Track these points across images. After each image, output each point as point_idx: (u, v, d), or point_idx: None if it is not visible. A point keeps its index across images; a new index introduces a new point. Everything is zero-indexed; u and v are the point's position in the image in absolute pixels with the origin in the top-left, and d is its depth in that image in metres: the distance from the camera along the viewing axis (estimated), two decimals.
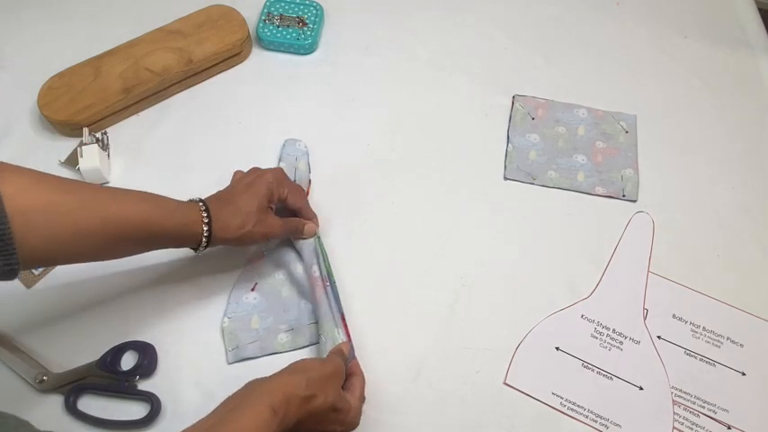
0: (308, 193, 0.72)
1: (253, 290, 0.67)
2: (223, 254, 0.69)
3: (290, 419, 0.50)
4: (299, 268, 0.67)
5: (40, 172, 0.51)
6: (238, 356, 0.63)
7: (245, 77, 0.81)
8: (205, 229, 0.59)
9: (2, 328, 0.64)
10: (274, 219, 0.64)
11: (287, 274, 0.68)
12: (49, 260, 0.55)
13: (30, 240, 0.47)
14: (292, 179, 0.72)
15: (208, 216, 0.59)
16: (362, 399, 0.59)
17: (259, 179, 0.63)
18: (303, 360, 0.56)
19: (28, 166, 0.73)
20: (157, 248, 0.60)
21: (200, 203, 0.60)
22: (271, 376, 0.52)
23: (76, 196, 0.51)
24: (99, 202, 0.53)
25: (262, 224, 0.62)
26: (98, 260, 0.57)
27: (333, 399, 0.53)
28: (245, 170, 0.66)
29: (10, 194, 0.46)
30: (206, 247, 0.60)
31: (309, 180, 0.73)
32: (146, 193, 0.57)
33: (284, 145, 0.75)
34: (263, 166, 0.74)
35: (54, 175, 0.51)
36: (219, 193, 0.63)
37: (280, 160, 0.74)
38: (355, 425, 0.57)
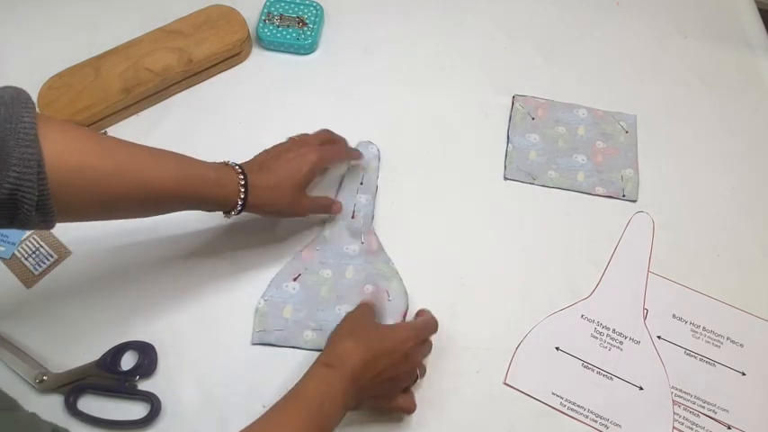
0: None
1: (295, 279, 0.67)
2: (223, 254, 0.69)
3: (353, 362, 0.53)
4: (348, 272, 0.68)
5: (80, 128, 0.52)
6: (262, 340, 0.64)
7: (245, 77, 0.81)
8: (241, 196, 0.59)
9: (2, 328, 0.64)
10: (307, 200, 0.65)
11: (333, 275, 0.68)
12: (83, 217, 0.55)
13: (65, 198, 0.48)
14: (359, 182, 0.73)
15: (245, 185, 0.59)
16: (418, 323, 0.62)
17: (303, 158, 0.63)
18: (341, 321, 0.59)
19: None
20: (192, 209, 0.60)
21: (238, 169, 0.60)
22: (325, 348, 0.56)
23: (114, 160, 0.52)
24: (136, 166, 0.53)
25: (294, 205, 0.63)
26: (130, 218, 0.58)
27: (375, 329, 0.58)
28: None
29: (51, 155, 0.46)
30: (239, 212, 0.60)
31: (377, 186, 0.73)
32: (181, 155, 0.57)
33: (357, 147, 0.74)
34: None
35: (94, 134, 0.53)
36: (259, 158, 0.63)
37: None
38: (417, 334, 0.59)
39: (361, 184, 0.73)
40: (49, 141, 0.46)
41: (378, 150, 0.75)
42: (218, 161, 0.60)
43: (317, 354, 0.56)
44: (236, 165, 0.60)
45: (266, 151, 0.64)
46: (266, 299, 0.66)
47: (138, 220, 0.68)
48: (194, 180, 0.56)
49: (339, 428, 0.59)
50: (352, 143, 0.75)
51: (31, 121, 0.45)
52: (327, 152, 0.66)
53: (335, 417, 0.52)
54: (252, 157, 0.64)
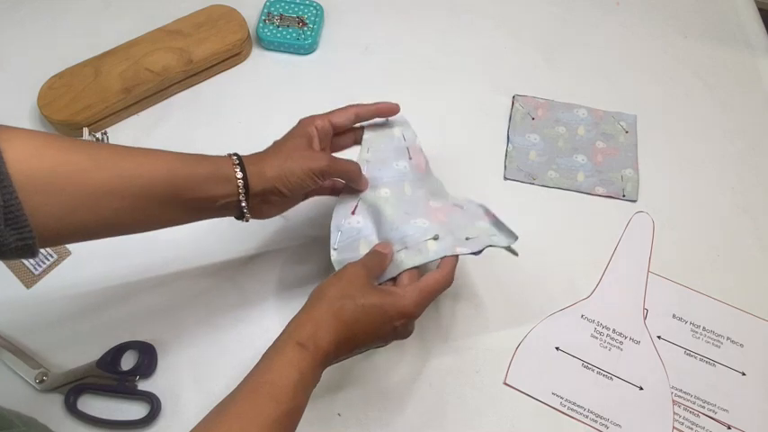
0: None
1: (353, 213, 0.60)
2: (223, 252, 0.69)
3: (328, 345, 0.48)
4: (407, 188, 0.61)
5: (49, 134, 0.47)
6: None
7: (245, 77, 0.81)
8: (237, 171, 0.52)
9: (2, 328, 0.64)
10: (319, 153, 0.56)
11: (392, 193, 0.60)
12: (70, 231, 0.47)
13: (42, 208, 0.43)
14: (403, 140, 0.63)
15: (239, 160, 0.53)
16: (424, 291, 0.53)
17: (300, 122, 0.58)
18: (321, 284, 0.52)
19: None
20: (191, 213, 0.53)
21: (232, 153, 0.54)
22: (299, 312, 0.50)
23: (89, 155, 0.46)
24: (115, 159, 0.48)
25: (302, 159, 0.55)
26: (126, 231, 0.51)
27: (363, 298, 0.50)
28: None
29: (15, 159, 0.41)
30: (246, 197, 0.53)
31: (415, 134, 0.64)
32: (167, 150, 0.52)
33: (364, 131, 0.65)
34: None
35: (65, 137, 0.47)
36: (253, 155, 0.57)
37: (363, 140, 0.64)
38: (413, 311, 0.52)
39: (404, 139, 0.64)
40: (13, 146, 0.42)
41: (404, 118, 0.66)
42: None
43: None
44: (234, 156, 0.55)
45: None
46: (335, 247, 0.58)
47: None
48: (182, 164, 0.51)
49: (342, 428, 0.60)
50: None
51: None
52: (339, 162, 0.57)
53: (305, 404, 0.48)
54: None
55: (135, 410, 0.61)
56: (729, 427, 0.62)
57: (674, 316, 0.67)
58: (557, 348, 0.66)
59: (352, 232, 0.59)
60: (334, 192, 0.63)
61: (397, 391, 0.63)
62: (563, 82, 0.82)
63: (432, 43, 0.84)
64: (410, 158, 0.62)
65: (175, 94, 0.79)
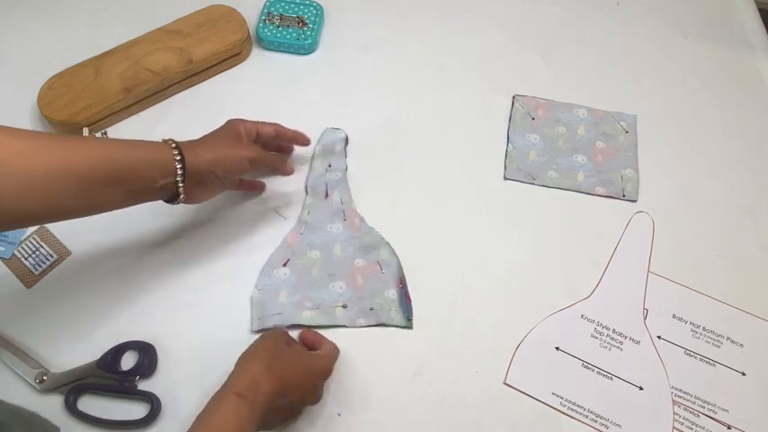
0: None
1: (284, 265, 0.68)
2: (223, 253, 0.69)
3: (264, 396, 0.51)
4: (336, 249, 0.69)
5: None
6: (262, 326, 0.65)
7: (245, 77, 0.81)
8: (175, 153, 0.57)
9: (2, 328, 0.64)
10: (250, 144, 0.64)
11: (322, 255, 0.69)
12: (25, 215, 0.51)
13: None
14: (328, 165, 0.74)
15: (176, 144, 0.58)
16: (332, 353, 0.62)
17: (229, 122, 0.65)
18: (249, 346, 0.56)
19: None
20: (131, 196, 0.56)
21: (170, 141, 0.59)
22: (234, 369, 0.54)
23: (28, 142, 0.50)
24: (54, 145, 0.51)
25: (236, 149, 0.62)
26: (75, 215, 0.54)
27: (290, 357, 0.56)
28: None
29: None
30: (183, 178, 0.57)
31: (346, 166, 0.74)
32: (108, 137, 0.58)
33: (323, 134, 0.76)
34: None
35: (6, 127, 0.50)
36: (191, 141, 0.62)
37: (317, 143, 0.75)
38: (330, 370, 0.60)
39: (330, 166, 0.74)
40: None
41: (345, 135, 0.75)
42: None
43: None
44: (171, 141, 0.59)
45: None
46: (260, 288, 0.67)
47: (138, 220, 0.68)
48: (122, 145, 0.55)
49: (342, 428, 0.60)
50: (351, 140, 0.76)
51: None
52: (265, 154, 0.66)
53: None
54: None
55: (135, 410, 0.61)
56: (729, 427, 0.62)
57: (674, 316, 0.67)
58: (557, 348, 0.66)
59: (276, 281, 0.67)
60: (257, 189, 0.72)
61: (396, 391, 0.63)
62: (563, 82, 0.82)
63: (432, 43, 0.84)
64: (344, 219, 0.70)
65: (175, 94, 0.79)
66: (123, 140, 0.57)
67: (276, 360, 0.55)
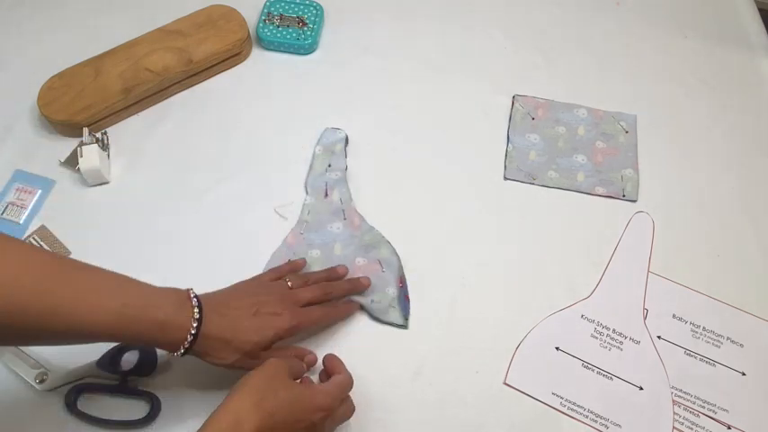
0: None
1: None
2: (222, 254, 0.69)
3: None
4: (337, 249, 0.68)
5: (37, 251, 0.48)
6: None
7: (245, 77, 0.81)
8: (186, 345, 0.52)
9: None
10: (267, 358, 0.55)
11: (322, 254, 0.68)
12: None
13: None
14: (328, 165, 0.73)
15: (199, 310, 0.53)
16: (339, 386, 0.55)
17: (270, 319, 0.57)
18: (244, 375, 0.52)
19: (28, 167, 0.73)
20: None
21: (195, 303, 0.53)
22: (217, 407, 0.49)
23: (52, 300, 0.47)
24: (72, 307, 0.48)
25: (247, 362, 0.55)
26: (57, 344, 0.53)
27: (284, 390, 0.51)
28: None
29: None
30: (190, 348, 0.53)
31: (346, 166, 0.73)
32: (129, 282, 0.52)
33: (323, 133, 0.75)
34: (265, 166, 0.74)
35: (47, 256, 0.48)
36: (219, 297, 0.57)
37: (317, 143, 0.75)
38: (330, 404, 0.53)
39: (330, 165, 0.73)
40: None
41: (345, 135, 0.75)
42: (179, 289, 0.54)
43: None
44: (194, 297, 0.54)
45: (237, 289, 0.59)
46: None
47: (138, 220, 0.68)
48: (137, 324, 0.50)
49: (342, 428, 0.60)
50: (351, 140, 0.76)
51: None
52: (308, 318, 0.59)
53: None
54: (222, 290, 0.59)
55: (135, 410, 0.61)
56: (729, 427, 0.62)
57: (674, 316, 0.67)
58: (557, 348, 0.66)
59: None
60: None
61: (397, 391, 0.63)
62: (563, 82, 0.82)
63: (432, 43, 0.84)
64: (344, 219, 0.70)
65: (175, 94, 0.79)
66: (141, 289, 0.52)
67: (269, 392, 0.50)
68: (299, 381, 0.56)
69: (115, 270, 0.69)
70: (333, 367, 0.59)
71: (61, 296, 0.47)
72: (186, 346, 0.52)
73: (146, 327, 0.51)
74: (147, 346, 0.55)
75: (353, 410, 0.57)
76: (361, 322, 0.66)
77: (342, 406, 0.55)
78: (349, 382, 0.57)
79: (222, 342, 0.54)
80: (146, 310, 0.51)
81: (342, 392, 0.56)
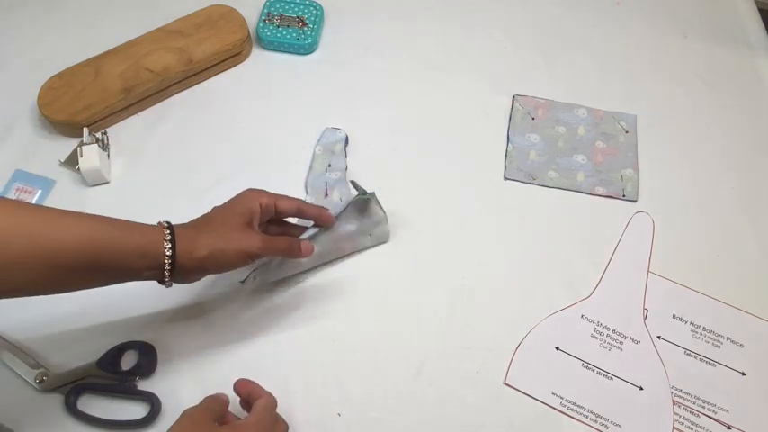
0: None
1: None
2: None
3: None
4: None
5: None
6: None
7: (245, 77, 0.81)
8: (167, 248, 0.52)
9: (2, 329, 0.64)
10: (254, 234, 0.57)
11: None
12: None
13: None
14: (328, 165, 0.73)
15: (171, 235, 0.53)
16: (265, 411, 0.54)
17: (237, 195, 0.59)
18: (174, 424, 0.51)
19: (28, 167, 0.73)
20: (115, 280, 0.54)
21: (165, 224, 0.54)
22: None
23: (12, 221, 0.47)
24: (32, 225, 0.48)
25: (237, 240, 0.55)
26: (40, 294, 0.52)
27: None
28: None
29: None
30: (171, 273, 0.54)
31: (346, 166, 0.74)
32: (97, 215, 0.52)
33: (323, 133, 0.76)
34: (265, 166, 0.74)
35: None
36: (194, 219, 0.58)
37: (317, 143, 0.75)
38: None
39: (330, 165, 0.74)
40: None
41: (345, 135, 0.75)
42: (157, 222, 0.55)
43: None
44: (167, 223, 0.54)
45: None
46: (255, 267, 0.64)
47: (138, 220, 0.68)
48: (108, 234, 0.51)
49: (342, 428, 0.60)
50: (351, 140, 0.76)
51: None
52: (275, 245, 0.59)
53: None
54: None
55: (135, 410, 0.61)
56: (729, 427, 0.62)
57: (673, 316, 0.67)
58: (557, 348, 0.66)
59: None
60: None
61: (396, 391, 0.63)
62: (563, 82, 0.82)
63: (432, 43, 0.84)
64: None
65: (175, 94, 0.79)
66: (113, 223, 0.52)
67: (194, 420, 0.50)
68: (224, 420, 0.54)
69: None
70: (249, 393, 0.56)
71: (33, 221, 0.48)
72: (167, 250, 0.52)
73: (120, 249, 0.51)
74: (127, 276, 0.53)
75: (287, 428, 0.56)
76: (361, 322, 0.66)
77: (276, 428, 0.54)
78: (273, 403, 0.55)
79: (202, 230, 0.55)
80: (119, 231, 0.52)
81: (270, 416, 0.54)
